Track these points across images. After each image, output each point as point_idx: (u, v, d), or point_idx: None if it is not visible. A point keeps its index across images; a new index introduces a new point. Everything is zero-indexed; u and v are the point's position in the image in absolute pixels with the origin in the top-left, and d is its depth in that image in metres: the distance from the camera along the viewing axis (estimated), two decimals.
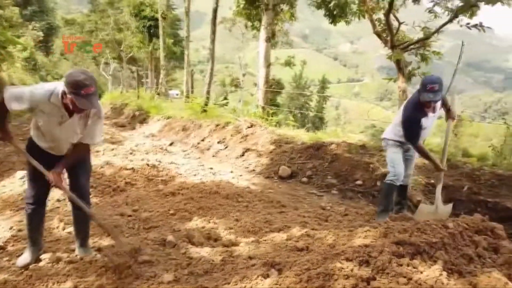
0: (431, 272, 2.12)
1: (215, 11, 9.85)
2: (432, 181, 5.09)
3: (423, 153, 3.83)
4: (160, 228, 3.66)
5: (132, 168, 5.44)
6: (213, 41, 10.25)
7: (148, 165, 5.67)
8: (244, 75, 36.38)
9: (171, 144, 8.46)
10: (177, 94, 25.93)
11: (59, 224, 3.53)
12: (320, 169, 6.10)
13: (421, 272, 2.13)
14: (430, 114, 3.74)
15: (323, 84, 54.20)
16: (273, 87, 30.70)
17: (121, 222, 3.72)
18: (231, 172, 6.39)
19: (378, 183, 5.27)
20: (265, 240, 3.31)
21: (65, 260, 2.80)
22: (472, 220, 2.68)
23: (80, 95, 2.33)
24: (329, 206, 4.72)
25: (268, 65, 8.99)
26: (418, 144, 3.76)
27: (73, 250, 2.95)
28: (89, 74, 2.41)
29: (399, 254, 2.24)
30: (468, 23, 5.87)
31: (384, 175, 5.46)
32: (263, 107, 9.07)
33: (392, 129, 4.06)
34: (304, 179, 6.01)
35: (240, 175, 6.22)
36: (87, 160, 2.95)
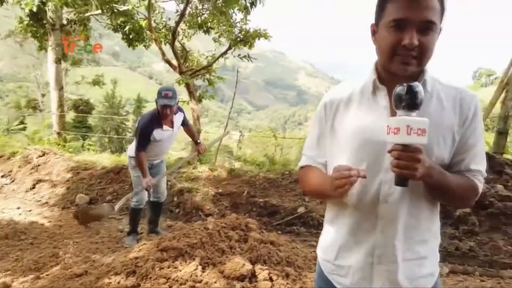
0: (188, 268, 2.55)
1: None
2: (220, 190, 5.85)
3: (139, 163, 3.73)
4: None
5: None
6: None
7: None
8: (43, 95, 32.35)
9: None
10: None
11: None
12: (121, 192, 6.12)
13: (180, 271, 2.53)
14: (166, 128, 3.76)
15: (139, 103, 53.05)
16: (81, 108, 28.39)
17: None
18: (18, 208, 5.75)
19: (175, 199, 5.72)
20: (47, 275, 3.19)
21: None
22: (229, 219, 3.31)
23: None
24: (127, 228, 4.83)
25: (60, 87, 8.35)
26: (139, 152, 3.70)
27: None
28: None
29: (162, 259, 2.59)
30: (239, 54, 7.01)
31: (180, 190, 5.98)
32: (58, 133, 8.38)
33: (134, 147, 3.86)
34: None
35: (30, 210, 5.66)
36: None
